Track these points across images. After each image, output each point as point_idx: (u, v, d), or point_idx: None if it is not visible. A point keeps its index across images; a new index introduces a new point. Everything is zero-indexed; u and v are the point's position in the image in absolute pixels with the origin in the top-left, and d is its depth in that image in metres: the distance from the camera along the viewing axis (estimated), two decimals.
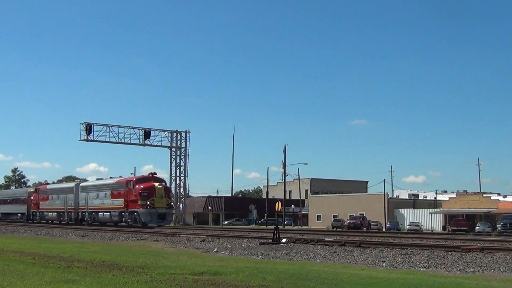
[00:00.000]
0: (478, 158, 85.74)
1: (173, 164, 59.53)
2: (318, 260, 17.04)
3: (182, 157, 59.95)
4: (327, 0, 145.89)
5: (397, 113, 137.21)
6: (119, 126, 56.60)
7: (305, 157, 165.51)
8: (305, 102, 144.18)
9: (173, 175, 60.37)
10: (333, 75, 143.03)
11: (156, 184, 44.97)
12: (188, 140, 60.08)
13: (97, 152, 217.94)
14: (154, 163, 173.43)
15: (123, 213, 45.51)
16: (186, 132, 60.01)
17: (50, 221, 57.23)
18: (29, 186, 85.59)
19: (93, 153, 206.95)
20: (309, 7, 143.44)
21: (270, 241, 23.15)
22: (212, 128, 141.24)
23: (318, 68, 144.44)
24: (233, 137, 65.43)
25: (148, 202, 43.30)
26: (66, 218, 54.27)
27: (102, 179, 55.61)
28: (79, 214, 52.75)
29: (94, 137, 55.27)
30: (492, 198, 69.73)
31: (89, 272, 12.09)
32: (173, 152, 59.69)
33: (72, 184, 55.91)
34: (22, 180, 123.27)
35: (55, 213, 56.44)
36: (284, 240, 23.24)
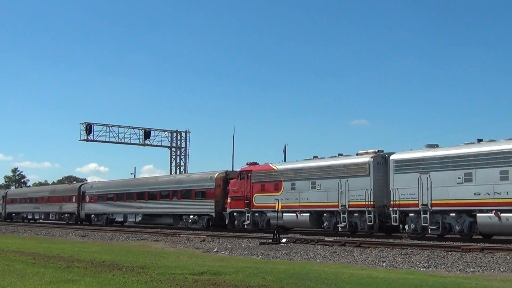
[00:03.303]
0: None
1: (173, 164, 59.41)
2: (318, 260, 17.05)
3: (182, 157, 59.86)
4: (325, 1, 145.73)
5: (397, 113, 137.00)
6: (119, 126, 56.48)
7: (305, 157, 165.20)
8: (305, 102, 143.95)
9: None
10: (333, 75, 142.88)
11: None
12: (188, 140, 60.00)
13: (97, 152, 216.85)
14: (154, 163, 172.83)
15: None
16: (186, 132, 59.96)
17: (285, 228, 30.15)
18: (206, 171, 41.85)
19: (93, 153, 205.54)
20: (309, 6, 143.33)
21: (270, 241, 23.15)
22: (212, 128, 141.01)
23: (318, 68, 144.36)
24: (233, 137, 64.99)
25: None
26: (343, 225, 26.57)
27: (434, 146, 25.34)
28: (394, 216, 24.58)
29: (94, 137, 55.03)
30: None
31: (89, 272, 12.10)
32: (173, 152, 59.61)
33: (365, 159, 26.54)
34: (22, 180, 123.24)
35: (307, 214, 28.39)
36: (284, 240, 23.25)
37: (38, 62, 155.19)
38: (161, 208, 39.20)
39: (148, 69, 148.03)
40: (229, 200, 33.09)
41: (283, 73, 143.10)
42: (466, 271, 13.81)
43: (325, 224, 27.82)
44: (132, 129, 56.89)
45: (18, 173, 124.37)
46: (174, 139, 59.35)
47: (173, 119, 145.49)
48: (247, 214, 31.66)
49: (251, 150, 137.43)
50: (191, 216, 36.10)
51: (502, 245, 18.86)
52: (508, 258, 15.89)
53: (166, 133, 59.14)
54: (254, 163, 32.97)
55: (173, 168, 58.89)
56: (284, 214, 29.10)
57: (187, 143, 59.91)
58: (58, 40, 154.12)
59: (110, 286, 10.03)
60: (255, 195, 31.70)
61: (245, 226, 31.62)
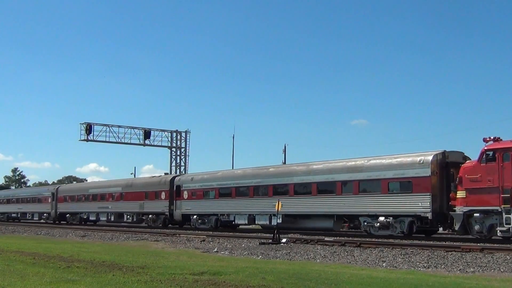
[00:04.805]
0: None
1: (173, 164, 59.49)
2: (318, 260, 17.06)
3: (182, 157, 59.96)
4: (325, 0, 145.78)
5: (397, 113, 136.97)
6: (119, 126, 56.53)
7: (305, 157, 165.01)
8: (305, 102, 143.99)
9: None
10: (333, 75, 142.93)
11: None
12: (188, 140, 60.14)
13: (97, 152, 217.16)
14: (154, 163, 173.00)
15: None
16: (186, 132, 60.08)
17: None
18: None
19: (93, 153, 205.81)
20: (308, 7, 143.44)
21: (270, 241, 23.15)
22: (212, 128, 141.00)
23: (318, 68, 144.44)
24: (233, 137, 64.88)
25: None
26: None
27: None
28: None
29: (94, 137, 55.11)
30: None
31: (89, 272, 12.11)
32: (173, 152, 59.69)
33: None
34: (22, 180, 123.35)
35: None
36: (284, 240, 23.25)
37: (38, 62, 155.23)
38: (317, 207, 28.20)
39: (148, 69, 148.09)
40: (461, 194, 22.27)
41: (282, 74, 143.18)
42: (466, 271, 13.81)
43: None
44: (132, 129, 56.95)
45: (18, 173, 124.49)
46: (174, 139, 59.42)
47: (173, 119, 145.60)
48: (505, 216, 20.50)
49: (251, 150, 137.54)
50: (381, 218, 24.98)
51: (502, 245, 18.85)
52: (508, 258, 15.89)
53: (166, 133, 59.22)
54: (497, 139, 22.15)
55: (173, 168, 58.97)
56: None
57: (187, 143, 60.02)
58: (58, 40, 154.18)
59: (110, 286, 10.03)
60: None
61: (498, 233, 20.95)
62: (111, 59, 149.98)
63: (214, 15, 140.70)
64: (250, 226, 33.64)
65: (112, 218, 44.50)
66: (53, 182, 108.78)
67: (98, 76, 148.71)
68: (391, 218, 24.59)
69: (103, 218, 45.81)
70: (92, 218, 47.27)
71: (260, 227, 31.43)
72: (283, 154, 64.79)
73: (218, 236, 27.74)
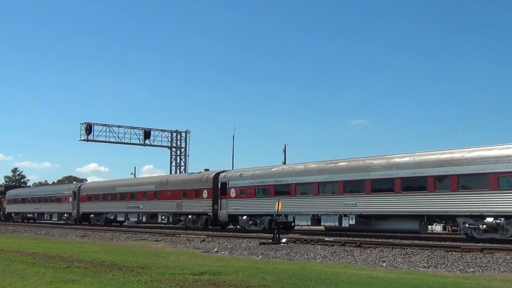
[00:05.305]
0: None
1: (173, 164, 59.53)
2: (318, 260, 17.06)
3: (182, 157, 60.01)
4: (325, 0, 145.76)
5: (397, 113, 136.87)
6: (119, 126, 56.57)
7: (305, 157, 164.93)
8: (305, 102, 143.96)
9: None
10: (333, 75, 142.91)
11: None
12: (188, 140, 60.21)
13: (97, 152, 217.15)
14: (154, 163, 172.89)
15: None
16: (186, 132, 60.14)
17: None
18: None
19: (93, 153, 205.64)
20: (309, 7, 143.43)
21: (270, 241, 23.16)
22: (212, 128, 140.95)
23: (318, 68, 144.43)
24: (233, 137, 64.91)
25: None
26: None
27: None
28: None
29: (94, 137, 55.15)
30: None
31: (89, 272, 12.12)
32: (173, 152, 59.73)
33: None
34: (22, 180, 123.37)
35: None
36: (284, 240, 23.26)
37: (38, 62, 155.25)
38: (402, 206, 24.60)
39: (148, 69, 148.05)
40: None
41: (283, 74, 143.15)
42: (466, 271, 13.82)
43: None
44: (132, 129, 56.98)
45: (18, 173, 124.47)
46: (174, 139, 59.44)
47: (173, 119, 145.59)
48: None
49: (251, 150, 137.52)
50: (489, 220, 21.36)
51: (502, 245, 18.86)
52: (508, 258, 15.90)
53: (166, 133, 59.24)
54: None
55: (173, 168, 59.01)
56: None
57: (187, 143, 60.06)
58: (58, 40, 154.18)
59: (110, 286, 10.04)
60: None
61: None
62: (111, 59, 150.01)
63: (214, 15, 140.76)
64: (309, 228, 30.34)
65: (144, 219, 40.59)
66: (53, 182, 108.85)
67: (98, 76, 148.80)
68: (502, 219, 20.98)
69: (133, 218, 41.88)
70: (120, 218, 43.49)
71: (324, 229, 29.19)
72: (283, 154, 64.76)
73: (218, 236, 27.75)
